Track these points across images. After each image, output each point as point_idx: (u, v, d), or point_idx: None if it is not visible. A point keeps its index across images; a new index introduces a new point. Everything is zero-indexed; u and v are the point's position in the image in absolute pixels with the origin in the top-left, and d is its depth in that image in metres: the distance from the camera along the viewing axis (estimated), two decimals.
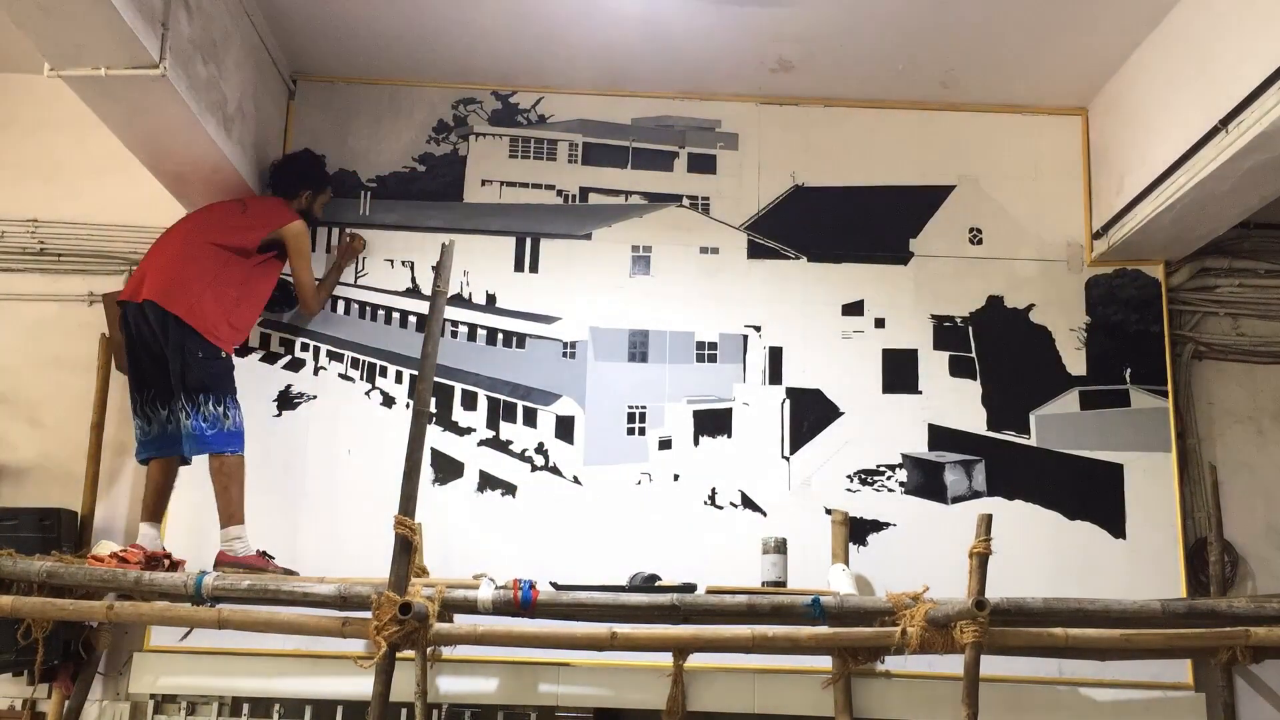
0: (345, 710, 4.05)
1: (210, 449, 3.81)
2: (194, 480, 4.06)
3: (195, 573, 3.53)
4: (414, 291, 4.52)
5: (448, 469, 4.35)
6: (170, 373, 3.80)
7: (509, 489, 4.34)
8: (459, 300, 4.51)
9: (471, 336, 4.49)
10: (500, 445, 4.38)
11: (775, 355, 4.48)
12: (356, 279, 4.53)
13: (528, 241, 4.58)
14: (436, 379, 4.18)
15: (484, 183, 4.64)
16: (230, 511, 3.82)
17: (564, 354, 4.46)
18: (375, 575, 3.50)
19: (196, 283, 3.84)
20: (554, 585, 3.67)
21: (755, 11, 4.12)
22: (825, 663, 3.79)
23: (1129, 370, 4.46)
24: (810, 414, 4.42)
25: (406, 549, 3.27)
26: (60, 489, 4.33)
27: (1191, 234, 4.30)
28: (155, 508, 3.94)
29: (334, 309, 4.50)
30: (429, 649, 3.53)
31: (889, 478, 4.37)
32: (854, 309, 4.53)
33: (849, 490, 4.35)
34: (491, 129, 4.69)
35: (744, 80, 4.60)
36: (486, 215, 4.61)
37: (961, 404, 4.43)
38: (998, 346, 4.50)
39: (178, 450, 3.87)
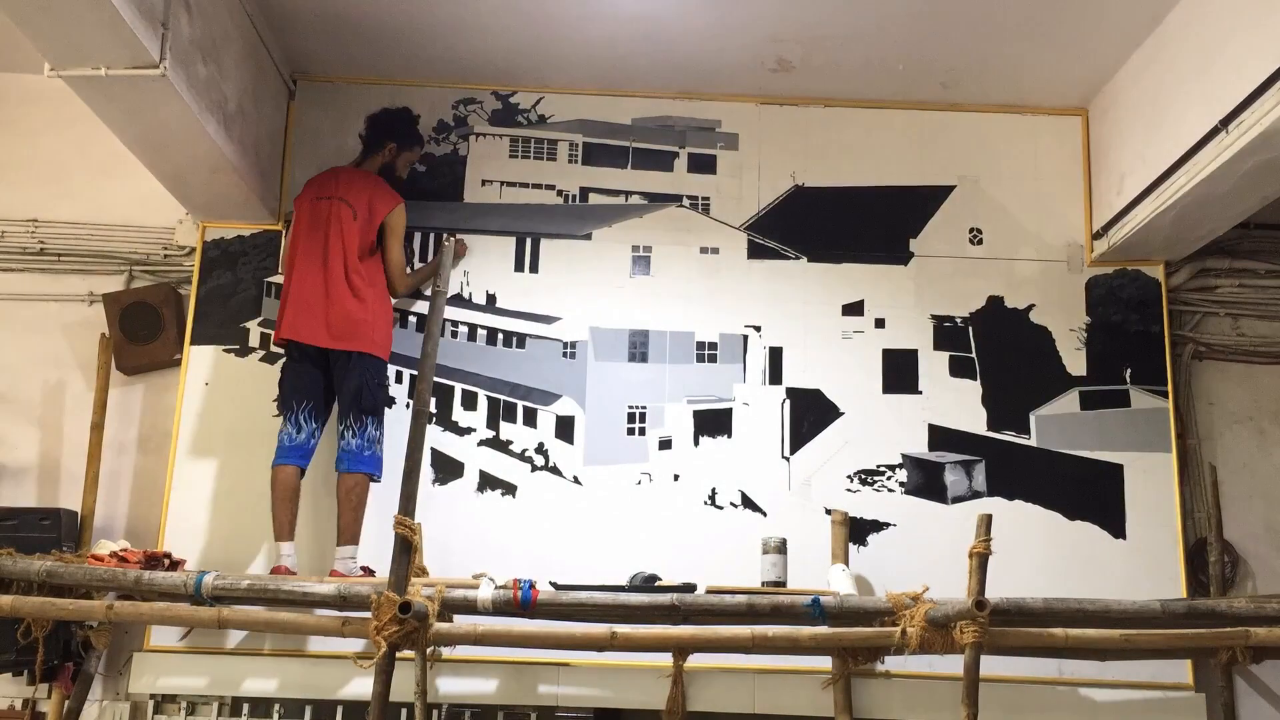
0: (345, 710, 4.04)
1: (361, 469, 3.94)
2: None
3: (195, 572, 3.53)
4: (414, 291, 4.51)
5: (448, 469, 4.35)
6: (341, 392, 3.98)
7: (509, 489, 4.34)
8: (459, 300, 4.51)
9: (471, 336, 4.49)
10: (500, 445, 4.38)
11: (775, 355, 4.48)
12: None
13: (528, 241, 4.58)
14: (436, 379, 4.18)
15: (484, 183, 4.64)
16: (354, 531, 3.90)
17: (564, 354, 4.46)
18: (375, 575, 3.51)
19: (359, 310, 4.00)
20: (554, 585, 3.66)
21: (755, 11, 4.12)
22: (825, 663, 3.79)
23: (1129, 370, 4.46)
24: (810, 414, 4.42)
25: (406, 549, 3.27)
26: (60, 489, 4.34)
27: (1192, 234, 4.30)
28: (290, 522, 3.94)
29: None
30: (429, 649, 3.52)
31: (889, 478, 4.37)
32: (854, 309, 4.53)
33: (849, 490, 4.35)
34: (491, 129, 4.69)
35: (744, 80, 4.60)
36: (486, 215, 4.61)
37: (961, 404, 4.43)
38: (998, 346, 4.50)
39: (306, 462, 3.99)
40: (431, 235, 4.56)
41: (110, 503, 4.30)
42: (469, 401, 4.43)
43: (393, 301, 4.26)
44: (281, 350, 4.23)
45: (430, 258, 4.52)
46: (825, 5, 4.08)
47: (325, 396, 4.07)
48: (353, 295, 4.02)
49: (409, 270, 4.36)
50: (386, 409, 4.13)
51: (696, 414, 4.40)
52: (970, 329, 4.52)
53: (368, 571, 3.95)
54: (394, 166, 4.41)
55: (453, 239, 4.15)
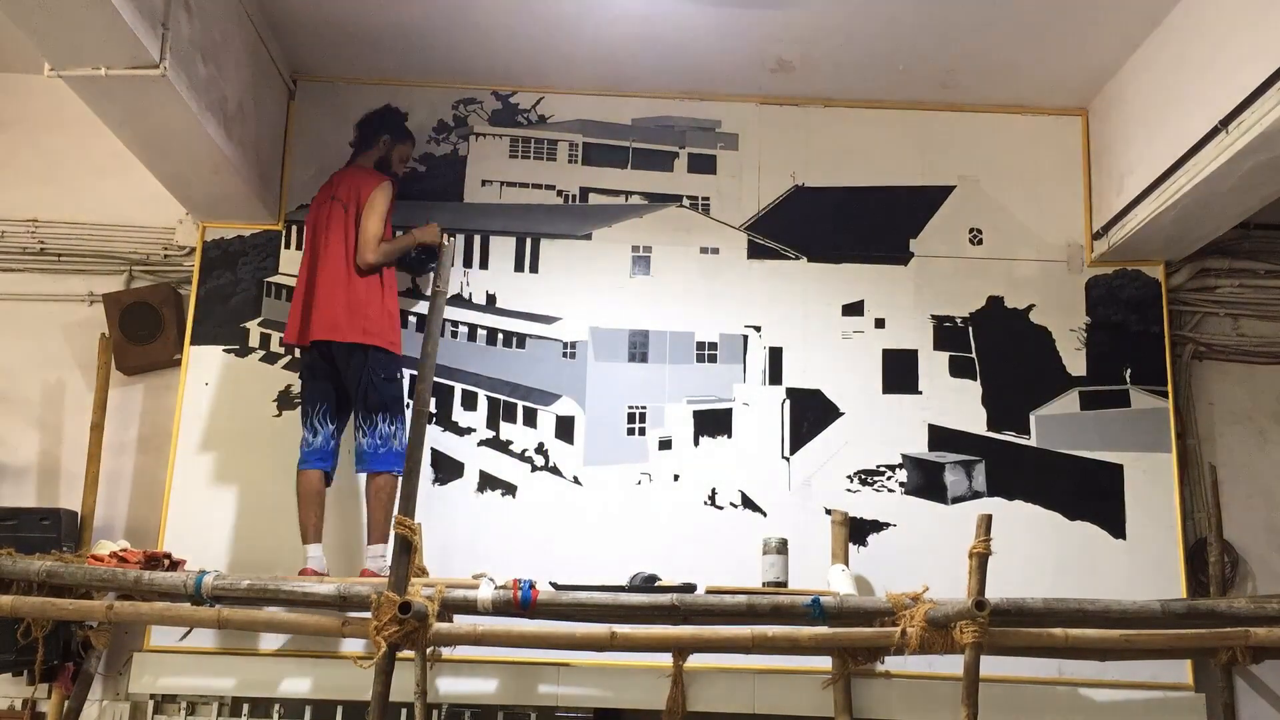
0: (345, 710, 4.04)
1: (378, 467, 3.93)
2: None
3: (195, 572, 3.53)
4: (414, 291, 4.52)
5: (448, 469, 4.35)
6: (352, 393, 3.97)
7: (509, 489, 4.34)
8: (459, 300, 4.51)
9: (471, 336, 4.49)
10: (500, 445, 4.38)
11: (775, 355, 4.48)
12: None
13: (528, 241, 4.58)
14: (436, 379, 4.18)
15: (484, 183, 4.64)
16: (384, 530, 3.88)
17: (564, 354, 4.46)
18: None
19: (358, 302, 3.97)
20: (554, 585, 3.66)
21: (755, 11, 4.12)
22: (825, 663, 3.79)
23: (1129, 370, 4.46)
24: (810, 414, 4.42)
25: (406, 549, 3.27)
26: (60, 489, 4.34)
27: (1192, 234, 4.30)
28: (317, 525, 3.94)
29: None
30: (429, 649, 3.52)
31: (889, 478, 4.37)
32: (854, 309, 4.53)
33: (849, 490, 4.35)
34: (491, 129, 4.69)
35: (744, 80, 4.60)
36: (486, 215, 4.61)
37: (961, 404, 4.43)
38: (998, 347, 4.50)
39: (328, 465, 3.99)
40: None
41: (110, 503, 4.30)
42: (469, 401, 4.43)
43: (398, 298, 4.20)
44: (288, 353, 4.25)
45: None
46: (825, 5, 4.08)
47: (338, 397, 4.06)
48: (348, 287, 3.99)
49: (384, 240, 4.14)
50: (399, 401, 4.07)
51: (696, 414, 4.40)
52: (970, 329, 4.52)
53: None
54: (389, 161, 4.37)
55: (453, 239, 4.15)
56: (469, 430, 4.40)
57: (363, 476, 4.03)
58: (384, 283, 4.08)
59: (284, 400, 4.40)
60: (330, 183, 4.27)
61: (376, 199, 4.13)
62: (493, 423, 4.40)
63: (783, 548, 3.96)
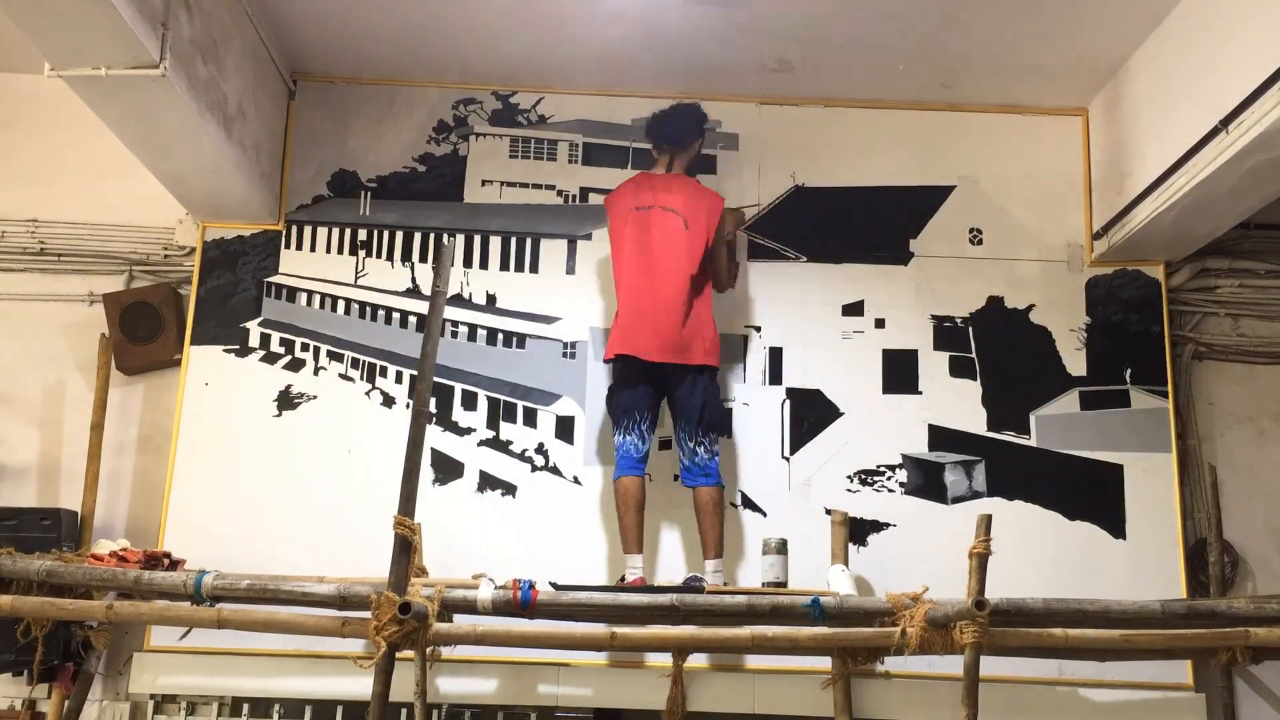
0: (345, 710, 4.05)
1: (714, 483, 3.93)
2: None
3: (195, 572, 3.53)
4: (414, 291, 4.52)
5: (448, 469, 4.35)
6: (685, 407, 3.96)
7: (509, 489, 4.34)
8: (459, 300, 4.51)
9: (471, 336, 4.49)
10: (500, 445, 4.38)
11: (775, 355, 4.48)
12: (357, 279, 4.53)
13: (528, 241, 4.58)
14: (436, 379, 4.18)
15: (484, 183, 4.64)
16: (720, 544, 3.90)
17: (564, 354, 4.46)
18: (375, 575, 3.50)
19: (700, 324, 3.98)
20: (554, 585, 3.66)
21: (755, 11, 4.12)
22: (825, 663, 3.79)
23: (1129, 370, 4.46)
24: (810, 414, 4.42)
25: (406, 549, 3.27)
26: (60, 489, 4.34)
27: (1192, 234, 4.30)
28: (640, 533, 3.91)
29: (334, 309, 4.51)
30: (429, 649, 3.51)
31: (889, 478, 4.37)
32: (854, 309, 4.53)
33: (849, 490, 4.35)
34: (491, 129, 4.69)
35: (744, 80, 4.59)
36: (486, 215, 4.61)
37: (961, 404, 4.43)
38: (998, 347, 4.50)
39: (642, 471, 3.96)
40: (431, 235, 4.56)
41: (110, 503, 4.30)
42: (469, 401, 4.43)
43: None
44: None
45: (430, 259, 4.50)
46: (825, 5, 4.08)
47: (656, 407, 4.04)
48: (689, 309, 3.96)
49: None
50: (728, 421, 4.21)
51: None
52: (970, 329, 4.51)
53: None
54: (695, 163, 4.34)
55: (453, 239, 4.15)
56: (469, 430, 4.40)
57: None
58: (708, 296, 4.10)
59: (284, 400, 4.40)
60: (643, 185, 4.15)
61: (727, 225, 4.19)
62: (493, 423, 4.40)
63: (782, 548, 3.96)
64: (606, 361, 4.14)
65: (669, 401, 4.03)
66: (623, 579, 3.85)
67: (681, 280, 3.97)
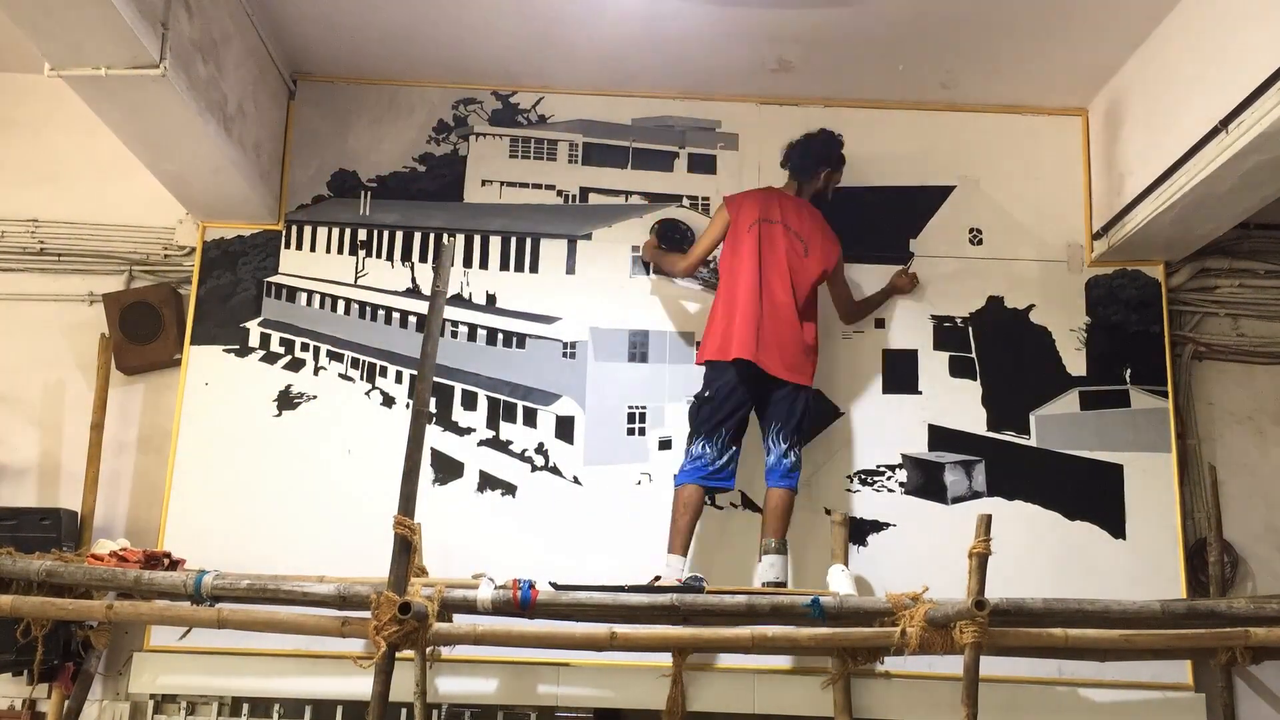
0: (345, 710, 4.05)
1: (792, 485, 3.96)
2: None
3: (194, 572, 3.53)
4: (414, 291, 4.52)
5: (448, 469, 4.35)
6: (784, 415, 3.97)
7: (509, 489, 4.34)
8: (459, 300, 4.51)
9: (471, 336, 4.49)
10: (500, 445, 4.38)
11: None
12: (357, 279, 4.54)
13: (527, 241, 4.58)
14: (436, 379, 4.18)
15: (484, 183, 4.64)
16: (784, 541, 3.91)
17: (564, 354, 4.46)
18: (375, 575, 3.50)
19: (810, 347, 4.03)
20: (554, 585, 3.66)
21: (755, 11, 4.12)
22: (825, 663, 3.79)
23: (1129, 370, 4.46)
24: (810, 414, 4.41)
25: (406, 549, 3.27)
26: (60, 489, 4.34)
27: (1192, 234, 4.30)
28: (688, 537, 3.89)
29: (334, 309, 4.51)
30: (429, 649, 3.52)
31: (889, 478, 4.37)
32: None
33: (849, 490, 4.35)
34: (491, 129, 4.69)
35: (744, 80, 4.59)
36: (486, 215, 4.61)
37: (961, 404, 4.43)
38: (998, 347, 4.50)
39: (732, 484, 3.98)
40: (431, 235, 4.56)
41: (110, 503, 4.30)
42: (469, 401, 4.43)
43: None
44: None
45: (430, 259, 4.50)
46: (825, 5, 4.08)
47: (746, 421, 4.02)
48: (804, 330, 4.01)
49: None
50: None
51: None
52: (970, 329, 4.52)
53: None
54: (825, 192, 4.33)
55: (453, 239, 4.15)
56: (469, 430, 4.40)
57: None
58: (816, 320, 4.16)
59: (284, 400, 4.40)
60: (770, 203, 4.12)
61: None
62: (493, 423, 4.40)
63: (782, 548, 3.95)
64: (708, 363, 4.02)
65: (764, 407, 4.01)
66: (657, 578, 3.80)
67: (802, 301, 4.03)
